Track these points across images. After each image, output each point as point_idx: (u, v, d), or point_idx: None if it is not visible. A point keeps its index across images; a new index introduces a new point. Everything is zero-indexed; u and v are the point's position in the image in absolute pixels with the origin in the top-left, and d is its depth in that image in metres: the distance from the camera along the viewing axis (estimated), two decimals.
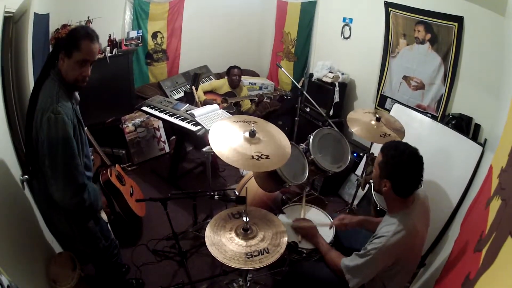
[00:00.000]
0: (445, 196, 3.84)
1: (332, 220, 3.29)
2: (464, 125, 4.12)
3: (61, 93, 2.37)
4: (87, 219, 2.75)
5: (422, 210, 2.60)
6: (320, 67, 6.13)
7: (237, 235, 2.54)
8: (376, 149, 3.87)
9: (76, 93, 2.59)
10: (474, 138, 3.99)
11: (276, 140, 2.83)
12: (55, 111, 2.27)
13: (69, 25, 5.13)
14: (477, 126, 4.05)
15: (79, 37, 2.36)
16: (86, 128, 2.73)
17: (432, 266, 3.38)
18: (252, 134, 2.69)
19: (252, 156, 2.59)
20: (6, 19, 3.19)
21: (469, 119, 4.13)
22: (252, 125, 2.77)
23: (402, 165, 2.43)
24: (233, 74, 6.24)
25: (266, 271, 3.62)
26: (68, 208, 2.52)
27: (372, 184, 3.66)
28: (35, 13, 3.79)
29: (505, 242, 1.62)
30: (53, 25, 4.91)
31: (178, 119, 4.84)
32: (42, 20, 4.26)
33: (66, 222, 2.63)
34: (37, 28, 3.85)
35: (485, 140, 3.74)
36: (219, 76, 7.33)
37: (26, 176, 2.89)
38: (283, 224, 2.70)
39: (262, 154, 2.61)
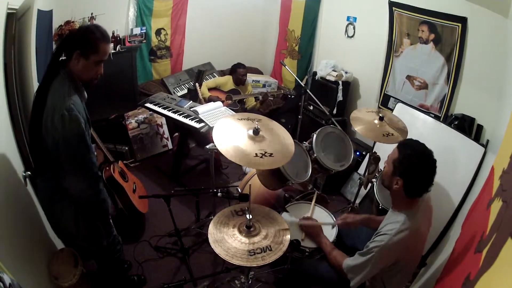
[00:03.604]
0: (447, 196, 3.84)
1: (335, 219, 3.30)
2: (466, 126, 4.12)
3: (72, 91, 2.39)
4: (96, 219, 2.78)
5: (426, 210, 2.61)
6: (323, 66, 6.14)
7: (240, 232, 2.55)
8: (378, 148, 3.89)
9: (84, 91, 2.61)
10: (477, 139, 3.99)
11: (280, 138, 2.83)
12: (69, 109, 2.29)
13: (73, 22, 5.13)
14: (480, 127, 4.06)
15: (96, 39, 2.40)
16: None
17: (433, 266, 3.39)
18: (256, 132, 2.69)
19: (256, 154, 2.59)
20: (9, 15, 3.19)
21: (472, 119, 4.13)
22: (256, 123, 2.77)
23: (418, 166, 2.43)
24: (240, 74, 6.22)
25: (268, 268, 3.65)
26: (84, 200, 2.56)
27: (375, 183, 3.69)
28: (38, 9, 3.80)
29: (505, 244, 1.63)
30: (57, 22, 4.91)
31: (181, 116, 4.84)
32: (45, 17, 4.26)
33: (72, 219, 2.65)
34: (40, 24, 3.86)
35: (487, 141, 3.74)
36: (222, 73, 7.30)
37: (29, 172, 2.91)
38: (286, 222, 2.72)
39: (265, 152, 2.62)
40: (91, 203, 2.62)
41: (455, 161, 3.89)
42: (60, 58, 2.47)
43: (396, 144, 2.63)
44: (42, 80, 2.45)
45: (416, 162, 2.43)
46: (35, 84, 3.57)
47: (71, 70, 2.44)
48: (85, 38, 2.41)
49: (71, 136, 2.31)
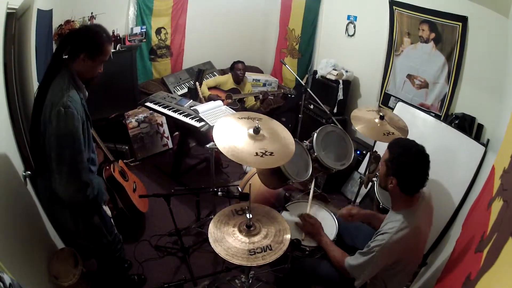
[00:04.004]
0: (447, 195, 3.84)
1: (335, 218, 3.29)
2: (467, 125, 4.11)
3: (71, 88, 2.40)
4: (92, 214, 2.77)
5: (427, 209, 2.60)
6: (324, 65, 6.13)
7: (240, 231, 2.55)
8: (379, 147, 3.89)
9: (85, 89, 2.61)
10: (477, 138, 3.99)
11: (280, 137, 2.84)
12: (65, 105, 2.29)
13: (73, 21, 5.12)
14: (480, 126, 4.06)
15: (103, 42, 2.47)
16: None
17: (433, 265, 3.39)
18: (257, 131, 2.70)
19: (256, 152, 2.60)
20: (9, 15, 3.18)
21: (472, 119, 4.13)
22: (257, 122, 2.78)
23: (409, 163, 2.43)
24: (237, 69, 6.23)
25: (268, 268, 3.65)
26: (71, 203, 2.54)
27: (376, 182, 3.70)
28: (38, 9, 3.80)
29: (506, 243, 1.63)
30: (56, 21, 4.89)
31: (181, 115, 4.84)
32: (45, 16, 4.25)
33: (71, 218, 2.65)
34: (40, 24, 3.84)
35: (488, 140, 3.74)
36: (223, 72, 7.29)
37: (29, 172, 2.90)
38: (286, 221, 2.71)
39: (266, 151, 2.62)
40: (81, 204, 2.61)
41: (455, 160, 3.89)
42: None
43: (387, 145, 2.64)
44: (43, 78, 2.46)
45: (406, 159, 2.45)
46: (35, 84, 3.56)
47: (72, 69, 2.46)
48: (93, 40, 2.46)
49: (64, 133, 2.30)
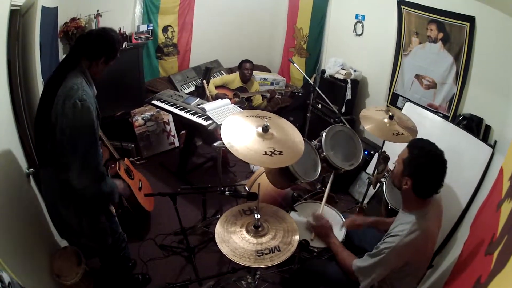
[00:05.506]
0: (455, 196, 3.81)
1: (344, 219, 3.27)
2: (474, 126, 4.07)
3: (85, 83, 2.44)
4: (99, 215, 2.76)
5: (437, 211, 2.58)
6: (332, 64, 6.10)
7: (248, 232, 2.53)
8: (388, 147, 3.87)
9: (94, 86, 2.63)
10: (485, 139, 3.94)
11: (289, 136, 2.82)
12: (81, 99, 2.33)
13: (78, 19, 5.12)
14: (488, 127, 4.01)
15: (119, 48, 2.62)
16: None
17: (440, 267, 3.37)
18: (265, 129, 2.67)
19: (265, 151, 2.57)
20: (13, 12, 3.19)
21: (480, 120, 4.09)
22: (265, 120, 2.75)
23: (427, 167, 2.40)
24: (245, 68, 6.22)
25: (274, 268, 3.62)
26: (86, 196, 2.53)
27: (384, 183, 3.67)
28: (43, 6, 3.79)
29: None
30: (62, 19, 4.91)
31: (188, 113, 4.83)
32: (50, 14, 4.25)
33: (75, 216, 2.64)
34: (45, 21, 3.84)
35: (495, 141, 3.70)
36: (230, 71, 7.31)
37: (32, 169, 2.91)
38: (295, 222, 2.69)
39: (275, 150, 2.60)
40: (94, 199, 2.61)
41: (463, 161, 3.85)
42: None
43: (407, 143, 2.61)
44: (55, 72, 2.50)
45: (425, 162, 2.40)
46: (39, 81, 3.57)
47: (84, 67, 2.52)
48: (113, 46, 2.60)
49: (80, 126, 2.34)
